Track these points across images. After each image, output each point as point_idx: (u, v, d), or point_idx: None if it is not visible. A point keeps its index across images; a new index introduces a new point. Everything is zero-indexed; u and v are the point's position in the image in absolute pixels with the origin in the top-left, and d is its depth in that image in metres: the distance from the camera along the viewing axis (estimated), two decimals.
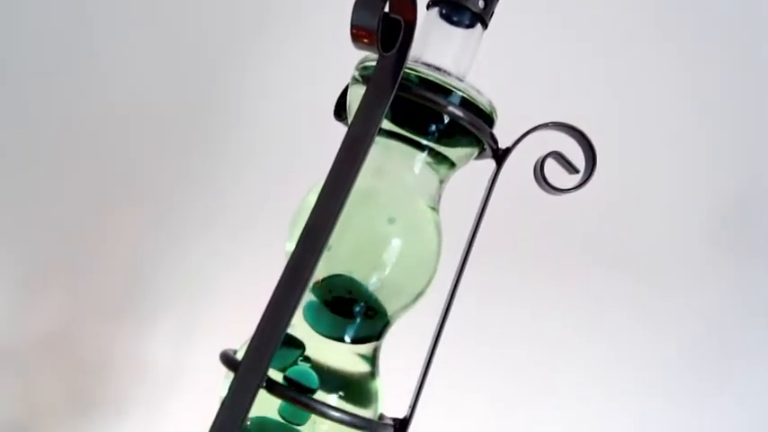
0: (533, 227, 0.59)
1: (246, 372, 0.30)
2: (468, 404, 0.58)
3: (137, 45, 0.57)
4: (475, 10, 0.34)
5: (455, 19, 0.34)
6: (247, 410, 0.29)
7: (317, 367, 0.33)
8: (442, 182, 0.35)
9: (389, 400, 0.35)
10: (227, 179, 0.58)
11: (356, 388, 0.34)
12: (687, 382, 0.61)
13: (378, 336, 0.35)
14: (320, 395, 0.32)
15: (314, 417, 0.33)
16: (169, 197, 0.57)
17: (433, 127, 0.33)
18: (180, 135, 0.57)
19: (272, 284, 0.30)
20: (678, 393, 0.60)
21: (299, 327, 0.34)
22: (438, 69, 0.33)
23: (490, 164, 0.36)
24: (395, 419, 0.34)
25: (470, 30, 0.34)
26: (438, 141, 0.34)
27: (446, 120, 0.33)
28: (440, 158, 0.34)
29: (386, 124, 0.34)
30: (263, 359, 0.30)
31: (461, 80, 0.34)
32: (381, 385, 0.35)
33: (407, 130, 0.34)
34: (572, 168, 0.35)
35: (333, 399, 0.33)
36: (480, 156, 0.36)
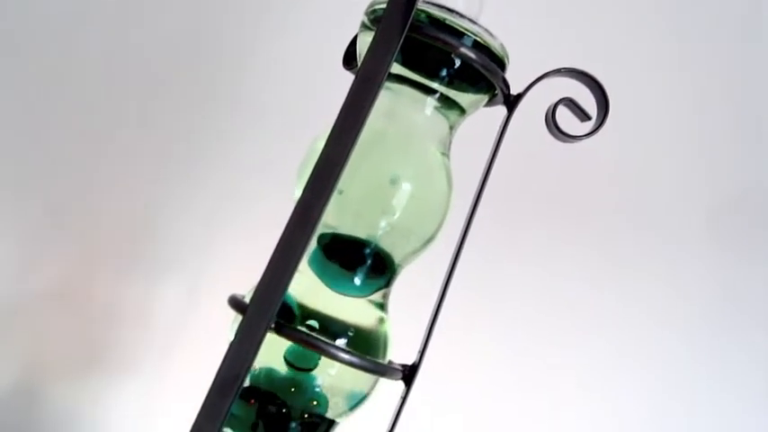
0: (543, 177, 0.59)
1: (255, 312, 0.29)
2: (478, 352, 0.58)
3: None
4: None
5: None
6: (256, 351, 0.29)
7: (325, 313, 0.33)
8: (452, 128, 0.35)
9: (398, 347, 0.35)
10: (236, 130, 0.57)
11: (365, 333, 0.33)
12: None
13: (387, 283, 0.34)
14: (329, 340, 0.32)
15: (322, 362, 0.33)
16: (177, 145, 0.57)
17: (444, 71, 0.33)
18: (186, 87, 0.57)
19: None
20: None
21: (306, 273, 0.34)
22: (450, 11, 0.33)
23: (499, 114, 0.35)
24: (404, 365, 0.34)
25: None
26: (449, 85, 0.33)
27: (457, 63, 0.32)
28: (450, 104, 0.34)
29: (396, 68, 0.33)
30: (271, 300, 0.29)
31: (474, 22, 0.33)
32: (391, 331, 0.34)
33: (418, 74, 0.33)
34: (584, 115, 0.34)
35: (341, 343, 0.32)
36: (491, 102, 0.36)
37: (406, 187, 0.33)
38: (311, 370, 0.33)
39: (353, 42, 0.38)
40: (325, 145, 0.30)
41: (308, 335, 0.31)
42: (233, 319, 0.34)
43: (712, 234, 0.60)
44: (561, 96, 0.34)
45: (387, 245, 0.33)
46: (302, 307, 0.33)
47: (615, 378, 0.59)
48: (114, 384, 0.55)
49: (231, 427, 0.33)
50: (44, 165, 0.55)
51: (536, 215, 0.59)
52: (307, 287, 0.33)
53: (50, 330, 0.55)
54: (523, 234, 0.59)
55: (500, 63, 0.33)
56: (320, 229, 0.32)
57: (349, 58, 0.38)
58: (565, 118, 0.35)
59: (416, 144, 0.34)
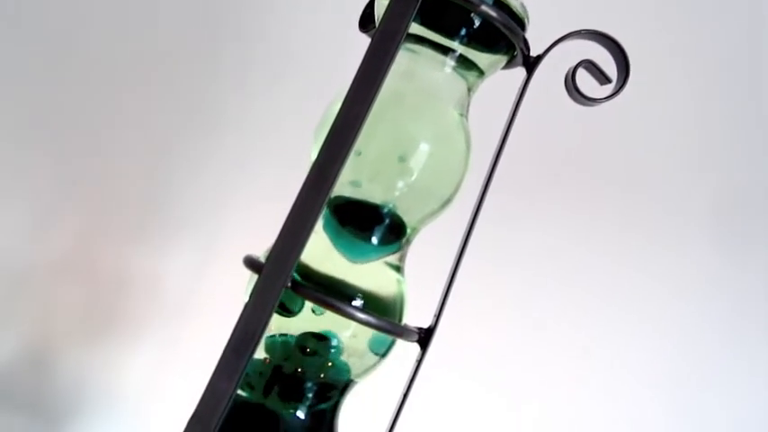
0: (559, 142, 0.58)
1: (271, 271, 0.29)
2: (493, 316, 0.58)
3: None
4: None
5: None
6: (272, 310, 0.29)
7: (341, 273, 0.33)
8: (470, 90, 0.34)
9: (414, 310, 0.35)
10: (249, 93, 0.57)
11: (382, 295, 0.33)
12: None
13: (403, 245, 0.34)
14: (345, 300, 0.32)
15: (339, 322, 0.33)
16: (188, 109, 0.56)
17: (464, 30, 0.32)
18: (199, 51, 0.57)
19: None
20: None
21: (320, 234, 0.33)
22: None
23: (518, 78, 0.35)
24: (420, 329, 0.34)
25: None
26: (468, 45, 0.33)
27: (477, 22, 0.32)
28: (468, 65, 0.34)
29: (415, 28, 0.33)
30: (287, 258, 0.29)
31: None
32: (407, 293, 0.34)
33: (437, 33, 0.33)
34: (604, 78, 0.34)
35: (358, 303, 0.32)
36: (509, 64, 0.35)
37: (424, 147, 0.32)
38: (295, 314, 0.33)
39: (370, 4, 0.38)
40: (343, 104, 0.29)
41: (325, 294, 0.31)
42: (248, 280, 0.34)
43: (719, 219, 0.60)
44: (577, 61, 0.34)
45: (403, 206, 0.33)
46: (316, 268, 0.33)
47: (630, 344, 0.59)
48: (127, 350, 0.55)
49: (242, 389, 0.33)
50: (53, 133, 0.55)
51: (553, 179, 0.59)
52: (322, 249, 0.33)
53: (63, 296, 0.55)
54: (540, 197, 0.58)
55: (520, 23, 0.33)
56: (337, 188, 0.32)
57: (365, 21, 0.38)
58: (583, 81, 0.34)
59: (435, 105, 0.33)
